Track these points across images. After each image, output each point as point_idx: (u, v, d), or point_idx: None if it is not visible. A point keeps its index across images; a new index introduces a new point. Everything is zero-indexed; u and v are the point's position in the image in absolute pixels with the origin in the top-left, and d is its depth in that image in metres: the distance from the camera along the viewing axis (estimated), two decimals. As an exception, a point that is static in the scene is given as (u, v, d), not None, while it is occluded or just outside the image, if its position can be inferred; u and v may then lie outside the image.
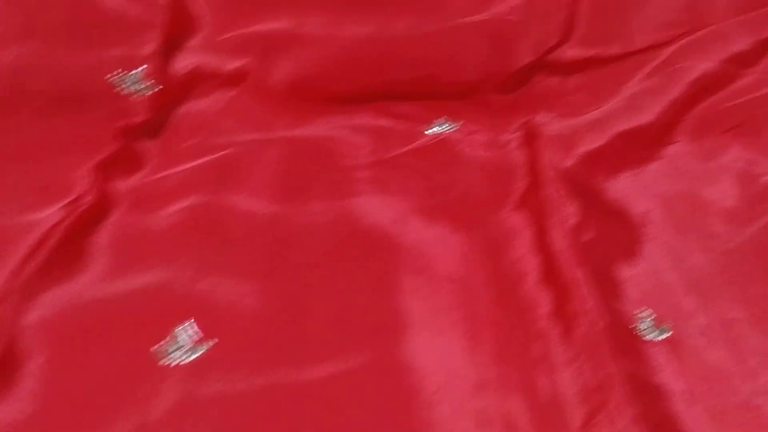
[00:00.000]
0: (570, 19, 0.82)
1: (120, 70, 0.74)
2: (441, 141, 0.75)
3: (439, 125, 0.79)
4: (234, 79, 0.81)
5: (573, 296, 0.55)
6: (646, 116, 0.72)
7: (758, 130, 0.73)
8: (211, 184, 0.67)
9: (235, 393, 0.50)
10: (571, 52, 0.82)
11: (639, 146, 0.73)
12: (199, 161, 0.70)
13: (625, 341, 0.55)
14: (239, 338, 0.53)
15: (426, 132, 0.78)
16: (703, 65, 0.75)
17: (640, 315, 0.58)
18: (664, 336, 0.57)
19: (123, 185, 0.68)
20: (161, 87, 0.75)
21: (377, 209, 0.65)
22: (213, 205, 0.65)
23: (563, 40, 0.82)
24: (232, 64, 0.81)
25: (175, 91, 0.78)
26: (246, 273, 0.58)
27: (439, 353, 0.53)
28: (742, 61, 0.76)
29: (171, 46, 0.79)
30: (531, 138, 0.73)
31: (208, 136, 0.75)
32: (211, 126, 0.77)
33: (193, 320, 0.54)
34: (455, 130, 0.78)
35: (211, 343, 0.53)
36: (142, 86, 0.74)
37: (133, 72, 0.74)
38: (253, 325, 0.54)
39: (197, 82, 0.80)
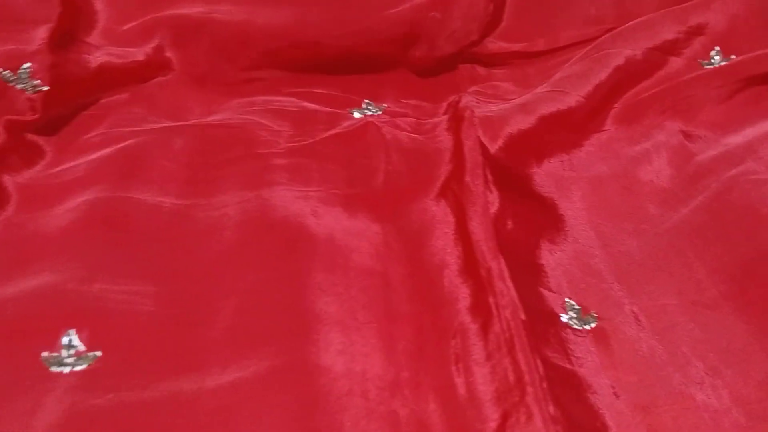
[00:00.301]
0: (495, 13, 0.81)
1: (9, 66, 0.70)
2: (364, 125, 0.73)
3: (364, 109, 0.77)
4: (142, 67, 0.78)
5: (493, 288, 0.53)
6: (572, 99, 0.71)
7: (691, 110, 0.74)
8: (113, 177, 0.64)
9: (129, 403, 0.47)
10: (496, 45, 0.82)
11: (567, 130, 0.72)
12: (101, 153, 0.67)
13: (548, 333, 0.54)
14: (134, 344, 0.51)
15: (349, 116, 0.76)
16: (629, 52, 0.75)
17: (566, 304, 0.57)
18: (590, 325, 0.56)
19: (15, 180, 0.64)
20: (51, 85, 0.71)
21: (293, 200, 0.63)
22: (113, 200, 0.61)
23: (486, 33, 0.82)
24: (139, 53, 0.78)
25: (77, 86, 0.74)
26: (145, 273, 0.56)
27: (352, 353, 0.51)
28: (669, 49, 0.77)
29: (68, 40, 0.75)
30: (458, 121, 0.71)
31: (113, 126, 0.71)
32: (117, 116, 0.73)
33: (82, 327, 0.51)
34: (379, 114, 0.76)
35: (101, 351, 0.50)
36: (36, 82, 0.70)
37: (25, 68, 0.70)
38: (150, 330, 0.52)
39: (101, 74, 0.76)
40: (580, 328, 0.56)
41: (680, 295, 0.58)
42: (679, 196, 0.66)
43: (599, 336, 0.55)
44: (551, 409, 0.46)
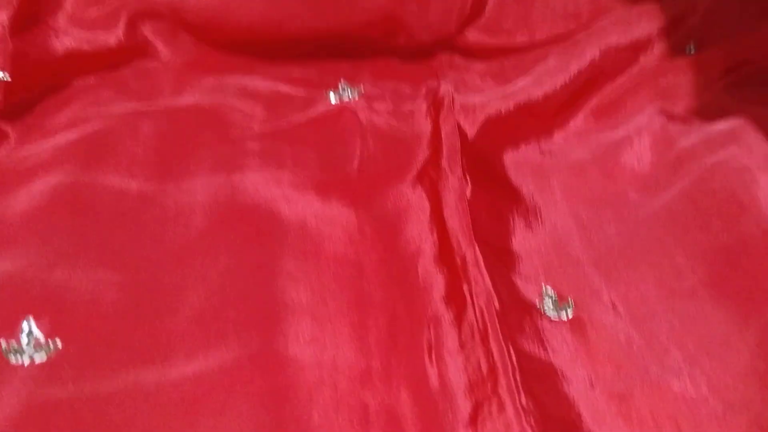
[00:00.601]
0: (476, 5, 0.80)
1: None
2: (341, 109, 0.72)
3: (340, 92, 0.75)
4: (113, 52, 0.76)
5: (468, 276, 0.53)
6: (550, 89, 0.71)
7: (671, 97, 0.73)
8: (78, 161, 0.62)
9: (90, 394, 0.46)
10: (476, 37, 0.81)
11: (546, 118, 0.72)
12: (67, 137, 0.65)
13: (523, 322, 0.54)
14: (96, 333, 0.50)
15: (325, 99, 0.74)
16: (604, 47, 0.75)
17: (543, 292, 0.57)
18: (567, 314, 0.56)
19: (-24, 166, 0.63)
20: (13, 72, 0.68)
21: (264, 185, 0.62)
22: (78, 185, 0.60)
23: (466, 24, 0.81)
24: (110, 37, 0.76)
25: (42, 71, 0.72)
26: (109, 260, 0.55)
27: (323, 343, 0.51)
28: (645, 45, 0.76)
29: (32, 25, 0.73)
30: (437, 106, 0.71)
31: (80, 109, 0.70)
32: (84, 99, 0.72)
33: (42, 315, 0.50)
34: (357, 98, 0.75)
35: (62, 340, 0.49)
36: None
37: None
38: (113, 318, 0.51)
39: (69, 59, 0.74)
40: (556, 316, 0.55)
41: (659, 283, 0.57)
42: (660, 183, 0.65)
43: (576, 325, 0.55)
44: (523, 399, 0.46)
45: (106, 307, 0.51)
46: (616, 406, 0.50)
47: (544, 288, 0.57)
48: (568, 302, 0.56)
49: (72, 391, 0.46)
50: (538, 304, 0.56)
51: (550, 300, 0.56)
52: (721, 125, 0.68)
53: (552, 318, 0.55)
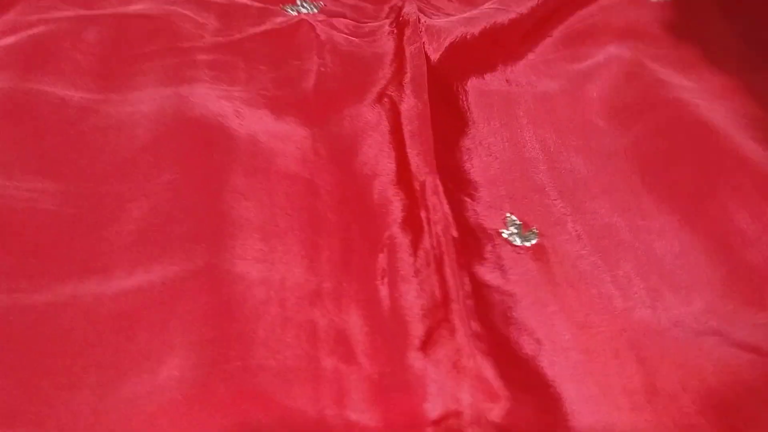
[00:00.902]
0: None
1: None
2: (298, 23, 0.69)
3: (298, 5, 0.73)
4: None
5: (426, 203, 0.52)
6: (515, 14, 0.70)
7: (642, 25, 0.72)
8: (17, 68, 0.60)
9: (25, 307, 0.45)
10: None
11: (512, 44, 0.70)
12: (6, 42, 0.63)
13: (484, 250, 0.53)
14: (33, 244, 0.48)
15: (282, 12, 0.72)
16: None
17: (506, 219, 0.56)
18: (531, 242, 0.55)
19: None
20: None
21: (214, 99, 0.60)
22: (17, 92, 0.58)
23: None
24: None
25: None
26: (48, 170, 0.53)
27: (272, 261, 0.50)
28: None
29: None
30: (401, 26, 0.69)
31: (21, 14, 0.67)
32: (25, 3, 0.68)
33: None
34: (315, 12, 0.72)
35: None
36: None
37: None
38: (51, 229, 0.49)
39: None
40: (520, 244, 0.55)
41: (625, 214, 0.57)
42: (629, 114, 0.65)
43: (539, 252, 0.54)
44: (474, 325, 0.45)
45: (43, 218, 0.49)
46: (576, 333, 0.49)
47: (507, 215, 0.56)
48: (531, 230, 0.56)
49: (6, 301, 0.45)
50: (501, 231, 0.55)
51: (513, 227, 0.56)
52: (691, 56, 0.68)
53: (515, 245, 0.54)
